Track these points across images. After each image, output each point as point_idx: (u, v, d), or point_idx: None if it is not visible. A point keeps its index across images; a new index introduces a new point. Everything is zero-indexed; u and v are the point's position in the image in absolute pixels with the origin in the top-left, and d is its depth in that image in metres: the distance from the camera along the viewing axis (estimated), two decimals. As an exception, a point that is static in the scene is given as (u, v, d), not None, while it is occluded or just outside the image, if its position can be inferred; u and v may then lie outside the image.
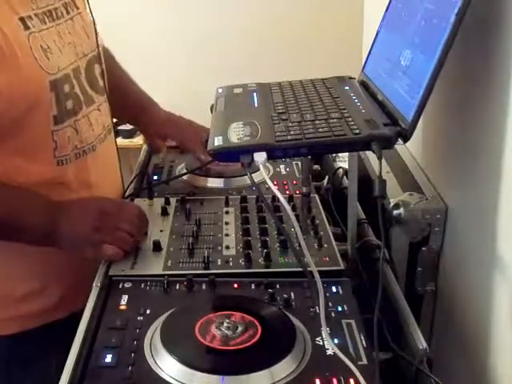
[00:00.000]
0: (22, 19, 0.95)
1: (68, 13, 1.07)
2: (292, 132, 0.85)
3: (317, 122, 0.88)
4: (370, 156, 1.26)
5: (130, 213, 1.02)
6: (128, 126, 2.81)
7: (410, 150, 1.26)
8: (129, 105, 1.36)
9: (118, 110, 1.32)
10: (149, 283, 0.92)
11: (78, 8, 1.11)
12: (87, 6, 1.15)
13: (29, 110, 0.96)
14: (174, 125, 1.36)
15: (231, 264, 0.97)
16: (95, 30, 1.14)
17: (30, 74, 0.94)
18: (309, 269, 0.77)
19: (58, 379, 0.76)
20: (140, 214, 1.03)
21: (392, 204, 1.04)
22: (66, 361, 0.79)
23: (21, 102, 0.94)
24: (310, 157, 1.20)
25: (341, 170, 1.32)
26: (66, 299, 1.09)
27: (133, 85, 1.38)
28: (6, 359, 1.09)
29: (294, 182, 1.25)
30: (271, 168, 1.31)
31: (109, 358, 0.76)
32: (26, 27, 0.95)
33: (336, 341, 0.79)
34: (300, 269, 0.81)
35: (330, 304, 0.87)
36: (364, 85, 1.07)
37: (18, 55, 0.92)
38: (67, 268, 1.07)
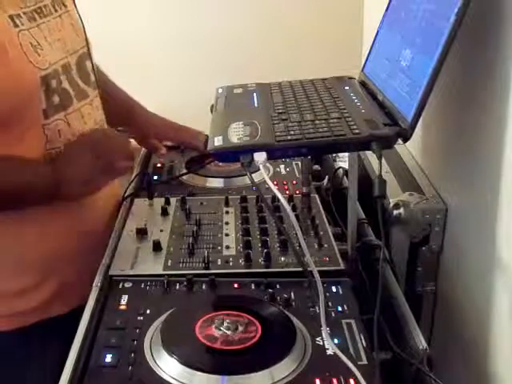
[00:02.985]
0: (11, 17, 0.96)
1: (56, 10, 1.08)
2: (292, 132, 0.85)
3: (317, 121, 0.88)
4: (370, 156, 1.26)
5: (119, 140, 1.09)
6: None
7: (410, 150, 1.26)
8: (118, 109, 1.35)
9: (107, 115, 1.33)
10: (149, 283, 0.92)
11: (65, 6, 1.12)
12: (74, 3, 1.16)
13: (20, 105, 0.97)
14: (167, 125, 1.40)
15: (231, 264, 0.97)
16: (83, 28, 1.15)
17: (21, 70, 0.95)
18: (309, 269, 0.77)
19: (58, 375, 0.76)
20: (126, 141, 1.11)
21: (392, 204, 1.04)
22: (65, 356, 0.79)
23: (12, 97, 0.95)
24: (309, 157, 1.20)
25: (341, 169, 1.32)
26: (63, 294, 1.09)
27: (118, 88, 1.38)
28: (5, 356, 1.09)
29: (294, 182, 1.25)
30: (271, 168, 1.31)
31: (109, 358, 0.76)
32: (16, 25, 0.97)
33: (336, 341, 0.79)
34: (300, 269, 0.81)
35: (330, 304, 0.87)
36: (364, 85, 1.07)
37: (8, 52, 0.93)
38: (64, 262, 1.08)
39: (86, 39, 1.14)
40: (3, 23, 0.94)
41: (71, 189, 1.01)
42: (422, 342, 0.82)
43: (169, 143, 1.41)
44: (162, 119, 1.40)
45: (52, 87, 1.02)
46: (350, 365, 0.72)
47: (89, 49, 1.15)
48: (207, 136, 0.94)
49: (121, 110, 1.36)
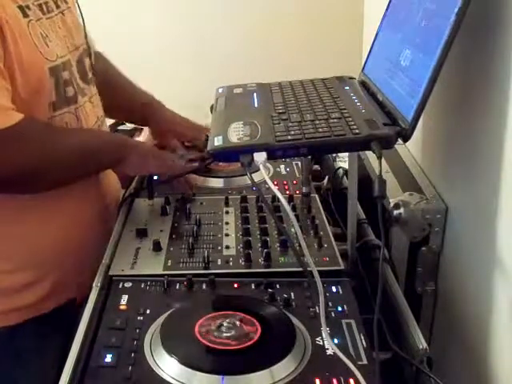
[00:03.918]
0: (20, 7, 0.97)
1: (58, 7, 1.09)
2: (292, 132, 0.85)
3: (317, 121, 0.88)
4: (370, 156, 1.26)
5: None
6: (128, 126, 2.80)
7: (410, 150, 1.26)
8: (135, 106, 1.36)
9: (124, 112, 1.34)
10: (149, 283, 0.92)
11: (67, 3, 1.13)
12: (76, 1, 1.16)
13: (28, 94, 0.97)
14: (186, 125, 1.36)
15: (231, 264, 0.97)
16: (84, 25, 1.15)
17: (30, 60, 0.96)
18: (309, 269, 0.77)
19: (57, 370, 0.76)
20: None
21: (392, 204, 1.04)
22: (64, 348, 0.79)
23: (21, 87, 0.95)
24: (309, 157, 1.20)
25: (341, 169, 1.32)
26: (62, 287, 1.10)
27: (134, 85, 1.38)
28: (4, 352, 1.09)
29: (294, 182, 1.25)
30: (271, 168, 1.31)
31: (109, 358, 0.76)
32: (25, 15, 0.98)
33: (336, 341, 0.79)
34: (300, 269, 0.81)
35: (330, 304, 0.87)
36: (364, 85, 1.07)
37: (18, 41, 0.94)
38: (62, 259, 1.08)
39: (86, 36, 1.15)
40: (13, 13, 0.95)
41: (134, 158, 1.07)
42: (421, 342, 0.82)
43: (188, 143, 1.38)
44: (181, 118, 1.36)
45: (63, 79, 1.03)
46: (350, 365, 0.72)
47: (89, 47, 1.15)
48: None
49: (141, 107, 1.36)
